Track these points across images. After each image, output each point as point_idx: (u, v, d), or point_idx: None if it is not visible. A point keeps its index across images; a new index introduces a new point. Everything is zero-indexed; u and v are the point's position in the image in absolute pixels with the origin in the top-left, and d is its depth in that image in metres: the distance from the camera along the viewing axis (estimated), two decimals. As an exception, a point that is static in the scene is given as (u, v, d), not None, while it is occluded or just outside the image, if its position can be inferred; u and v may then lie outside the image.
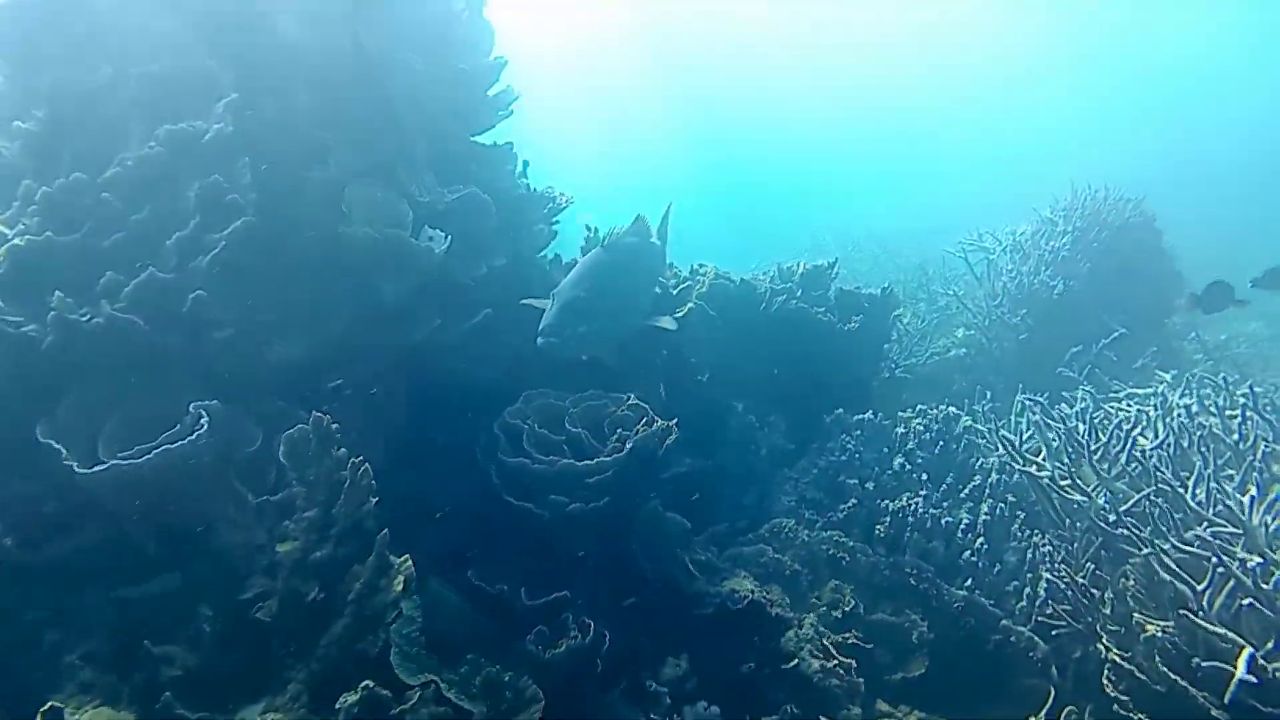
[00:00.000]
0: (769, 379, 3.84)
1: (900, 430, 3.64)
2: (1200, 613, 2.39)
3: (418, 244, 2.81)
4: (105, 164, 2.63)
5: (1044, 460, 3.25)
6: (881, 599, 3.25)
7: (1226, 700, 2.24)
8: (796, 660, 2.81)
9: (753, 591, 3.04)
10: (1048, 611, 2.98)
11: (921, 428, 3.64)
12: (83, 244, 2.50)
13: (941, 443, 3.59)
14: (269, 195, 2.73)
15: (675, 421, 3.15)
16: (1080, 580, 2.87)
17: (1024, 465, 3.22)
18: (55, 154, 2.67)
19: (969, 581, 3.21)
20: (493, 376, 3.20)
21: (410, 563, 2.26)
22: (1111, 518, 2.81)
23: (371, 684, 2.06)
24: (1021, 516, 3.33)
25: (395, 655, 2.48)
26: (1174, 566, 2.49)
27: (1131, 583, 2.77)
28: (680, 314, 3.71)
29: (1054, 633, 2.97)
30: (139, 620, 2.25)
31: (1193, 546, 2.52)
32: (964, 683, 3.06)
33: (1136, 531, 2.69)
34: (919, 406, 3.74)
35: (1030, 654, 3.04)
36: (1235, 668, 2.22)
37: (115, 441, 2.34)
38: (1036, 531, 3.25)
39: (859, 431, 3.65)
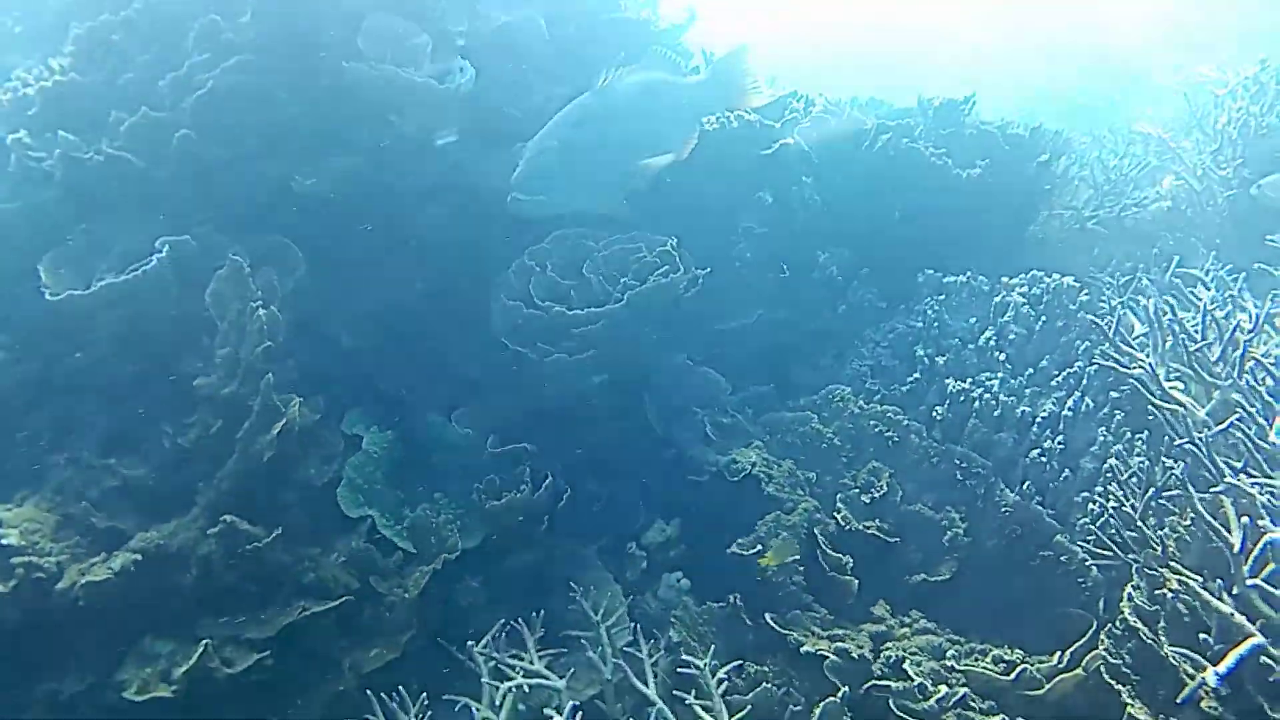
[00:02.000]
0: (868, 230, 3.42)
1: (998, 299, 3.13)
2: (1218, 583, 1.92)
3: (416, 79, 2.73)
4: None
5: (1145, 352, 2.69)
6: (925, 490, 2.91)
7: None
8: (760, 549, 2.60)
9: (753, 465, 2.84)
10: (1107, 535, 2.52)
11: (1022, 298, 3.11)
12: (101, 84, 2.70)
13: (1045, 318, 3.05)
14: (278, 31, 2.78)
15: (705, 270, 2.95)
16: (1133, 506, 2.40)
17: (1109, 353, 2.68)
18: None
19: (1028, 484, 2.79)
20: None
21: (298, 408, 2.33)
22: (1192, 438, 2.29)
23: (230, 518, 2.20)
24: (1118, 417, 2.79)
25: (343, 486, 2.62)
26: (1213, 517, 2.01)
27: (1188, 522, 2.28)
28: (769, 151, 3.39)
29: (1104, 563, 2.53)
30: (114, 435, 2.53)
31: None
32: (993, 600, 2.70)
33: (1210, 462, 2.17)
34: (1032, 273, 3.15)
35: (1080, 580, 2.62)
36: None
37: (111, 272, 2.60)
38: (1129, 438, 2.73)
39: (945, 296, 3.18)
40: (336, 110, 2.83)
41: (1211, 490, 2.12)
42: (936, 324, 3.12)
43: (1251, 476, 2.10)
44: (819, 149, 3.36)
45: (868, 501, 2.84)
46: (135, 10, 2.68)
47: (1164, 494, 2.31)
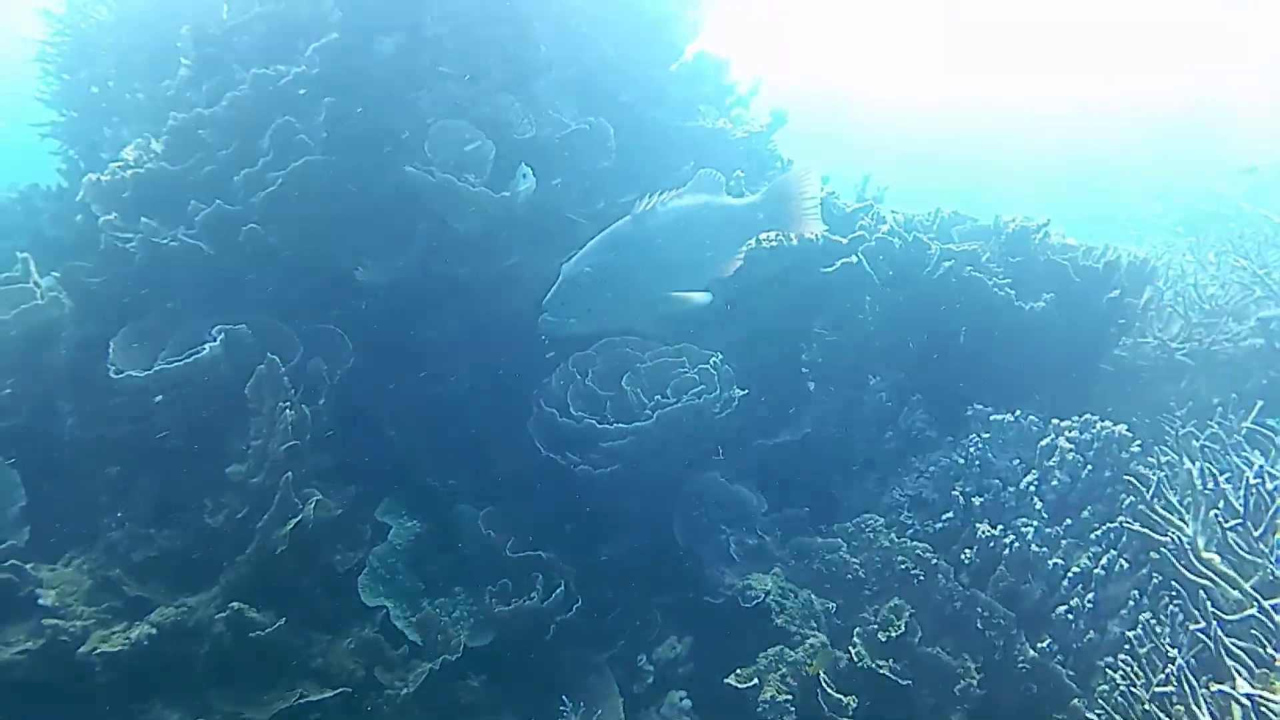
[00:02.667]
0: (924, 357, 3.37)
1: (1045, 442, 3.03)
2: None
3: (470, 189, 2.85)
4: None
5: (1184, 520, 2.59)
6: (946, 633, 2.84)
7: None
8: (757, 683, 2.58)
9: (767, 593, 2.82)
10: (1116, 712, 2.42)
11: (1070, 444, 3.00)
12: (186, 174, 2.91)
13: (1092, 466, 2.94)
14: (348, 132, 2.95)
15: (740, 393, 2.97)
16: (1144, 686, 2.30)
17: (1142, 516, 2.59)
18: (198, 87, 3.10)
19: (1050, 642, 2.69)
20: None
21: (313, 506, 2.44)
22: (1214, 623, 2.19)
23: (238, 605, 2.32)
24: (1155, 581, 2.68)
25: (366, 574, 2.73)
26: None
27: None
28: (830, 270, 3.39)
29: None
30: (163, 506, 2.71)
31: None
32: (1001, 759, 2.62)
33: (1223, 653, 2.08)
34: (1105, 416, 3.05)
35: (1094, 750, 2.52)
36: None
37: (174, 351, 2.79)
38: (1162, 605, 2.61)
39: (989, 434, 3.10)
40: (399, 210, 2.98)
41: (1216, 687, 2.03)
42: (979, 462, 3.05)
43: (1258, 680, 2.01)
44: (881, 271, 3.35)
45: (883, 640, 2.79)
46: (222, 108, 2.89)
47: (1175, 679, 2.21)
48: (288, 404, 2.47)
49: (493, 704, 2.67)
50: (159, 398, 2.64)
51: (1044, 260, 3.39)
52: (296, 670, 2.47)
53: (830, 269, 3.35)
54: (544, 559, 2.78)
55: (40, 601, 2.35)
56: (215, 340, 2.63)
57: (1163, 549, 2.57)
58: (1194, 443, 2.88)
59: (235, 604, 2.33)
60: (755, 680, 2.59)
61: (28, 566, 2.41)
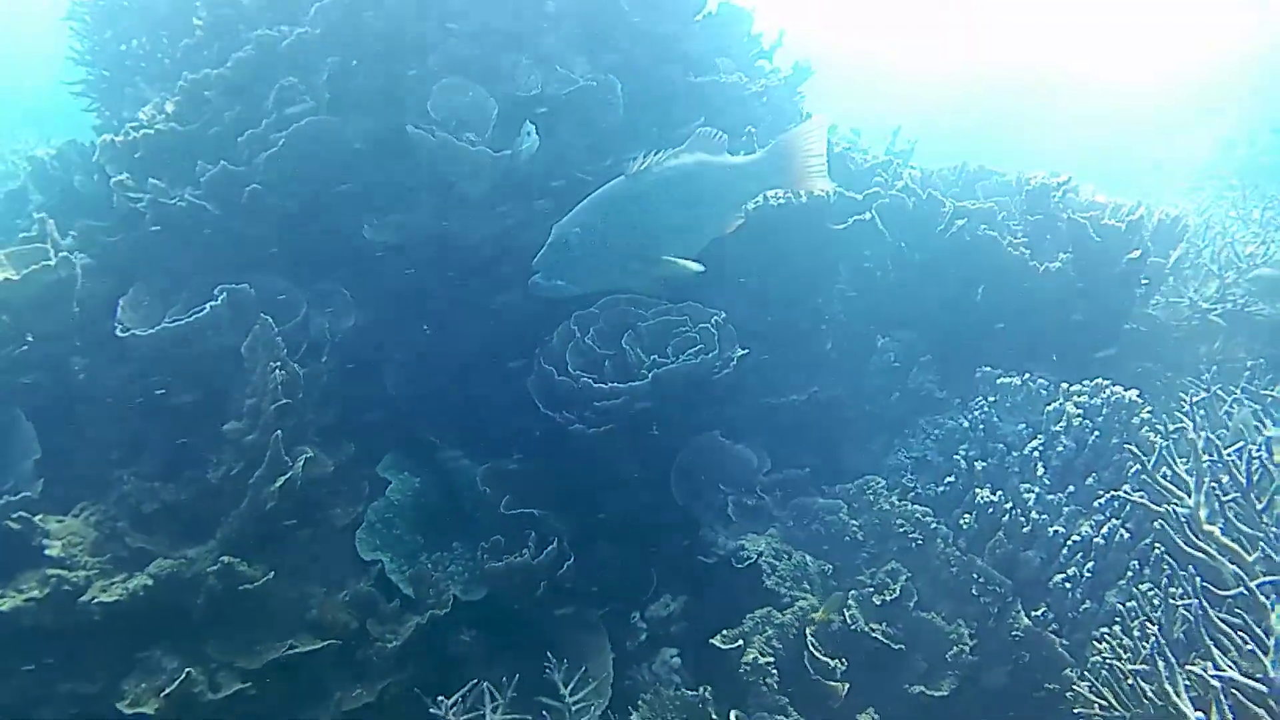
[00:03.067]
0: (937, 316, 3.31)
1: (1052, 406, 2.96)
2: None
3: (469, 148, 2.86)
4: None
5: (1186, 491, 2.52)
6: (942, 598, 2.82)
7: None
8: (741, 644, 2.60)
9: (759, 554, 2.83)
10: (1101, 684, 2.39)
11: (1078, 409, 2.93)
12: (195, 135, 2.96)
13: (1099, 432, 2.87)
14: (351, 92, 2.97)
15: (740, 353, 2.95)
16: (1129, 660, 2.27)
17: (1141, 486, 2.53)
18: (210, 47, 3.15)
19: (1044, 611, 2.66)
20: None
21: (302, 464, 2.50)
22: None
23: (228, 559, 2.40)
24: (1157, 551, 2.62)
25: (363, 528, 2.80)
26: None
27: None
28: (842, 227, 3.33)
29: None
30: (172, 461, 2.79)
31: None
32: (990, 725, 2.61)
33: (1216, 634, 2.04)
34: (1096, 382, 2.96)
35: (1086, 720, 2.49)
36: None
37: (182, 309, 2.86)
38: (1161, 576, 2.56)
39: (995, 397, 3.04)
40: (403, 169, 3.00)
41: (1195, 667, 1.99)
42: (983, 425, 3.01)
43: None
44: (894, 229, 3.29)
45: (878, 603, 2.78)
46: (227, 69, 2.92)
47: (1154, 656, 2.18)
48: (278, 364, 2.52)
49: (484, 657, 2.73)
50: (165, 354, 2.71)
51: (1065, 218, 3.29)
52: (291, 621, 2.56)
53: (842, 225, 3.29)
54: (537, 516, 2.82)
55: (46, 552, 2.46)
56: (217, 299, 2.69)
57: (1163, 520, 2.51)
58: (1201, 410, 2.80)
59: (225, 558, 2.41)
60: (740, 642, 2.61)
61: (37, 518, 2.52)
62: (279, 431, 2.47)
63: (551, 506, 2.91)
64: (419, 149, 2.89)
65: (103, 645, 2.44)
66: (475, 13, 3.17)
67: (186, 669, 2.32)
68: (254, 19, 3.07)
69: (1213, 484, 2.48)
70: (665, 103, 3.43)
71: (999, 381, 3.06)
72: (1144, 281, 3.37)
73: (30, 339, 2.79)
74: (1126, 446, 2.69)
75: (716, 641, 2.61)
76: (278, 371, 2.50)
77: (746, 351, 2.95)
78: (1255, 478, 2.40)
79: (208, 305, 2.67)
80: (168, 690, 2.28)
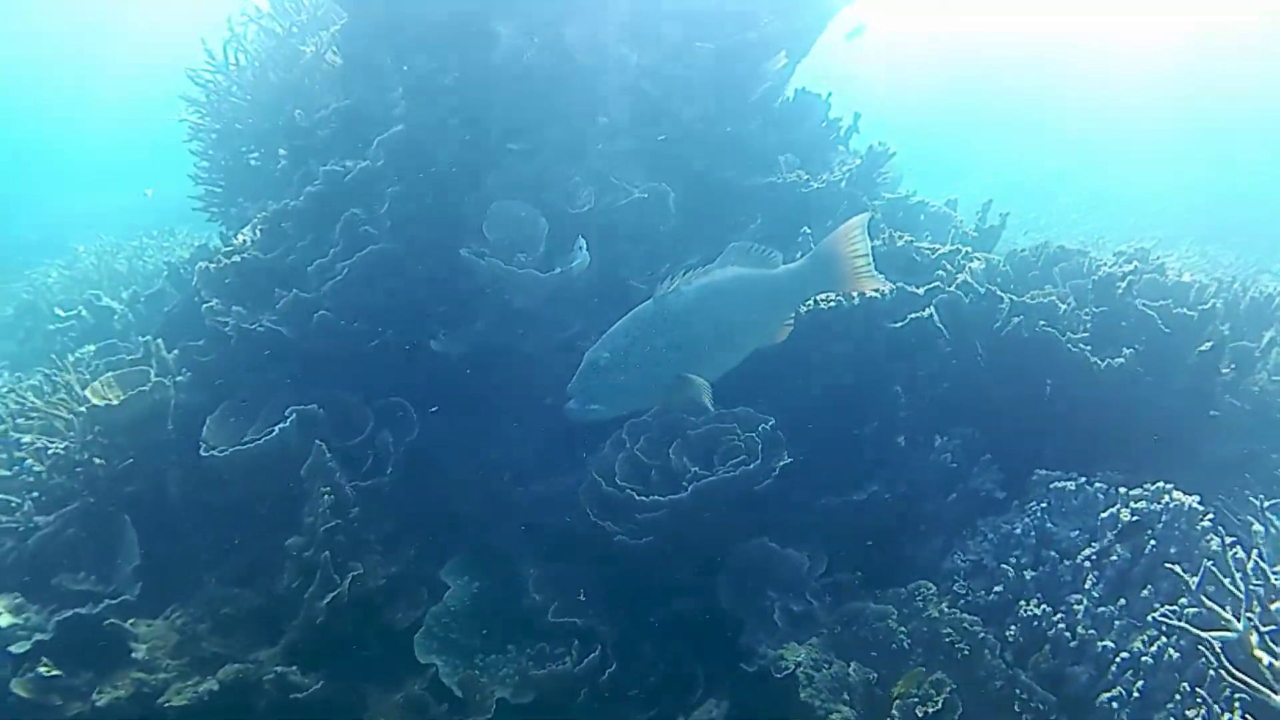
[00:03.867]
0: (1000, 412, 3.23)
1: (1107, 513, 2.85)
2: None
3: (516, 270, 3.01)
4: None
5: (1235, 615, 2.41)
6: (987, 712, 2.76)
7: None
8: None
9: (798, 664, 2.83)
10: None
11: (1135, 515, 2.80)
12: (274, 263, 3.24)
13: (1157, 541, 2.74)
14: (415, 219, 3.19)
15: (785, 462, 2.98)
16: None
17: (1185, 608, 2.42)
18: (289, 178, 3.44)
19: (1091, 731, 2.58)
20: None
21: (349, 582, 2.69)
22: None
23: (280, 669, 2.60)
24: (1210, 675, 2.50)
25: (421, 631, 2.97)
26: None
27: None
28: (899, 325, 3.32)
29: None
30: (251, 567, 3.05)
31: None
32: None
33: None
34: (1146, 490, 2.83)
35: None
36: None
37: (262, 426, 3.12)
38: (1209, 702, 2.44)
39: (1049, 502, 2.94)
40: (466, 288, 3.19)
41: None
42: (1034, 532, 2.94)
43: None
44: (951, 325, 3.26)
45: (920, 715, 2.75)
46: (300, 201, 3.19)
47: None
48: (328, 488, 2.73)
49: (530, 760, 2.85)
50: (241, 469, 2.97)
51: (1136, 308, 3.18)
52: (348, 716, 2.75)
53: (900, 324, 3.29)
54: (579, 625, 2.92)
55: (133, 655, 2.73)
56: (286, 421, 2.93)
57: (1210, 642, 2.41)
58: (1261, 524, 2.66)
59: (279, 668, 2.62)
60: (769, 757, 2.64)
61: (128, 622, 2.80)
62: (327, 553, 2.67)
63: (601, 611, 3.01)
64: (475, 271, 3.07)
65: (178, 744, 2.70)
66: (532, 130, 3.35)
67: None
68: (325, 151, 3.33)
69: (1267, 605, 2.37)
70: (722, 206, 3.51)
71: (1053, 485, 2.98)
72: (1227, 369, 3.22)
73: (132, 455, 3.11)
74: (1167, 565, 2.58)
75: (747, 759, 2.66)
76: (326, 497, 2.70)
77: (791, 460, 2.98)
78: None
79: (277, 427, 2.92)
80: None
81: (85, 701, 2.72)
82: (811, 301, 3.21)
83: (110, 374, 3.22)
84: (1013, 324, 3.16)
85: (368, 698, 2.81)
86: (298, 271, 3.17)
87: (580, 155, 3.39)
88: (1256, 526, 2.77)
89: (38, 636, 2.81)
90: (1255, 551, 2.50)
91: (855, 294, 3.17)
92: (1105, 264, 3.36)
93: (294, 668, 2.68)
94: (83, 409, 3.10)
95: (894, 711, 2.79)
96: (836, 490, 3.28)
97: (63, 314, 4.54)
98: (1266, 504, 2.78)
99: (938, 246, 3.67)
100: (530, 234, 3.17)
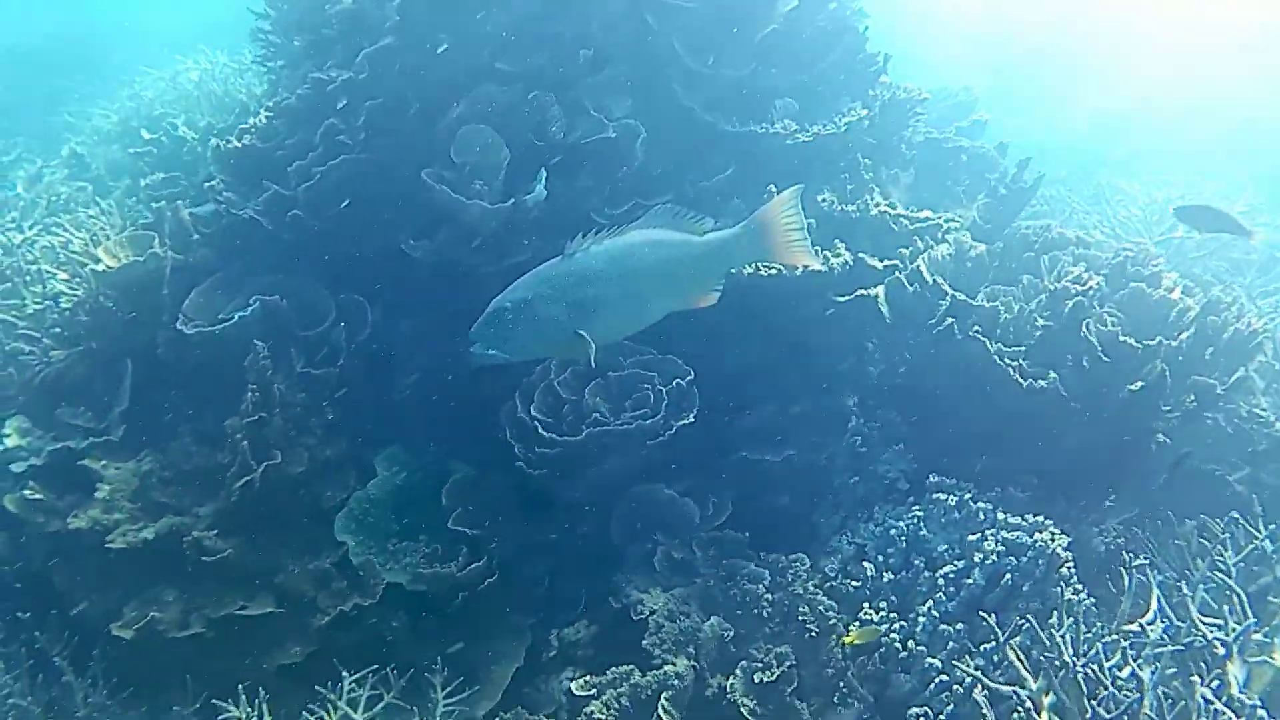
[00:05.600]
0: (929, 407, 3.21)
1: (975, 537, 2.84)
2: None
3: (465, 200, 3.16)
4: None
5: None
6: (817, 694, 2.93)
7: None
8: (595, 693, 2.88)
9: (652, 611, 3.05)
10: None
11: (1001, 545, 2.79)
12: (268, 153, 3.48)
13: (1011, 577, 2.74)
14: (390, 133, 3.34)
15: (685, 422, 3.11)
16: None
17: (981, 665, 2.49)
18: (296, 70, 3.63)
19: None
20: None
21: (260, 471, 3.03)
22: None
23: (197, 534, 3.02)
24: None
25: (344, 512, 3.33)
26: None
27: None
28: (843, 300, 3.30)
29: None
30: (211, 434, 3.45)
31: None
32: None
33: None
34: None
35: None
36: None
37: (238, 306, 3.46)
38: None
39: (930, 510, 2.95)
40: (419, 206, 3.37)
41: None
42: (906, 537, 2.99)
43: None
44: (894, 309, 3.24)
45: (758, 680, 2.95)
46: (289, 102, 3.41)
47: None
48: (255, 385, 3.06)
49: (412, 642, 3.22)
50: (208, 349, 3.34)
51: (1088, 329, 3.06)
52: (260, 584, 3.17)
53: (845, 298, 3.28)
54: (469, 535, 3.21)
55: (96, 494, 3.21)
56: (247, 310, 3.26)
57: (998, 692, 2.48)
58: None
59: (195, 533, 3.04)
60: (594, 690, 2.91)
61: (100, 464, 3.28)
62: (246, 443, 3.03)
63: (501, 525, 3.29)
64: (433, 192, 3.24)
65: (116, 575, 3.18)
66: (520, 53, 3.41)
67: (151, 612, 3.00)
68: (327, 50, 3.48)
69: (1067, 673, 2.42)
70: (704, 151, 3.51)
71: (934, 496, 3.01)
72: (1170, 408, 3.09)
73: (134, 312, 3.52)
74: (980, 614, 2.63)
75: (574, 688, 2.93)
76: (253, 393, 3.04)
77: (690, 421, 3.11)
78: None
79: (236, 315, 3.25)
80: (139, 625, 2.98)
81: (62, 523, 3.25)
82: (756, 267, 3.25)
83: (124, 234, 3.61)
84: (946, 324, 3.11)
85: (283, 565, 3.22)
86: (283, 167, 3.40)
87: (566, 84, 3.43)
88: (1124, 579, 2.75)
89: (33, 461, 3.34)
90: (1070, 619, 2.52)
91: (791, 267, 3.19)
92: (1069, 274, 3.20)
93: (213, 532, 3.10)
94: (97, 266, 3.51)
95: (737, 671, 3.00)
96: (757, 448, 3.40)
97: (147, 136, 4.94)
98: (1135, 560, 2.74)
99: (921, 214, 3.56)
100: (492, 161, 3.29)
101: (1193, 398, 3.18)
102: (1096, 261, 3.39)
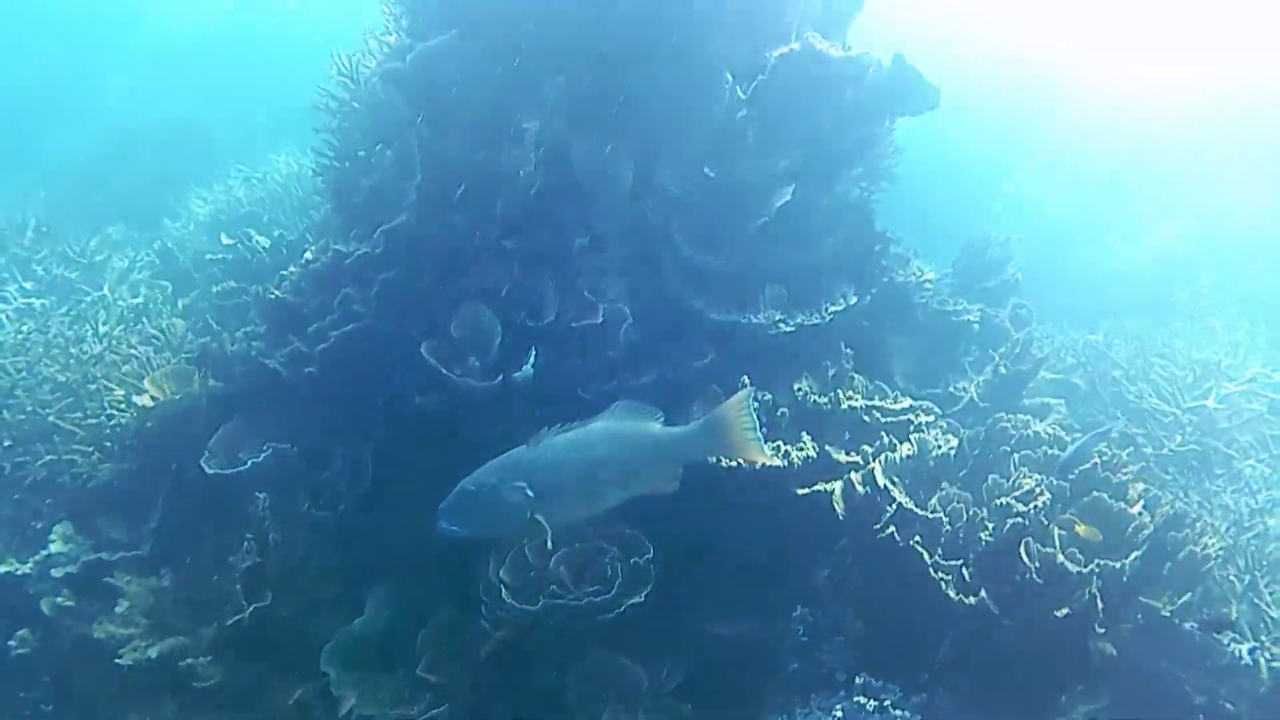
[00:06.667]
0: (874, 603, 3.36)
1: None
2: None
3: (450, 376, 3.47)
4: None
5: None
6: None
7: None
8: None
9: None
10: None
11: None
12: (295, 307, 3.85)
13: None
14: (400, 302, 3.68)
15: (634, 601, 3.33)
16: None
17: None
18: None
19: None
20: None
21: (249, 613, 3.37)
22: None
23: (190, 661, 3.37)
24: None
25: (329, 646, 3.64)
26: None
27: None
28: (803, 493, 3.49)
29: None
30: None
31: None
32: None
33: None
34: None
35: None
36: None
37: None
38: None
39: (842, 711, 3.10)
40: (421, 370, 3.69)
41: None
42: (833, 734, 3.15)
43: None
44: (846, 507, 3.41)
45: None
46: (315, 266, 3.78)
47: None
48: (251, 535, 3.42)
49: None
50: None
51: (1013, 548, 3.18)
52: (247, 707, 3.52)
53: (805, 491, 3.47)
54: (432, 682, 3.49)
55: (116, 609, 3.61)
56: (261, 456, 3.63)
57: None
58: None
59: (189, 660, 3.41)
60: None
61: (125, 580, 3.68)
62: (239, 586, 3.39)
63: (472, 669, 3.56)
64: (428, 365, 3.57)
65: (128, 684, 3.58)
66: (525, 232, 3.72)
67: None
68: (356, 215, 3.85)
69: None
70: (687, 336, 3.75)
71: (857, 698, 3.16)
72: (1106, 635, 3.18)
73: (171, 440, 3.94)
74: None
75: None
76: (249, 541, 3.40)
77: (641, 600, 3.33)
78: None
79: (250, 462, 3.63)
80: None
81: (87, 628, 3.66)
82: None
83: (172, 366, 4.05)
84: (889, 531, 3.27)
85: (270, 692, 3.56)
86: (306, 324, 3.78)
87: (564, 262, 3.71)
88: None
89: (69, 569, 3.78)
90: None
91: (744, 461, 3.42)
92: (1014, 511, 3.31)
93: (207, 658, 3.46)
94: (143, 398, 3.94)
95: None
96: (716, 620, 3.60)
97: (225, 241, 5.42)
98: None
99: (897, 405, 3.72)
100: (486, 339, 3.60)
101: (1140, 617, 3.27)
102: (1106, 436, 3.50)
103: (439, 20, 3.71)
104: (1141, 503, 3.47)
